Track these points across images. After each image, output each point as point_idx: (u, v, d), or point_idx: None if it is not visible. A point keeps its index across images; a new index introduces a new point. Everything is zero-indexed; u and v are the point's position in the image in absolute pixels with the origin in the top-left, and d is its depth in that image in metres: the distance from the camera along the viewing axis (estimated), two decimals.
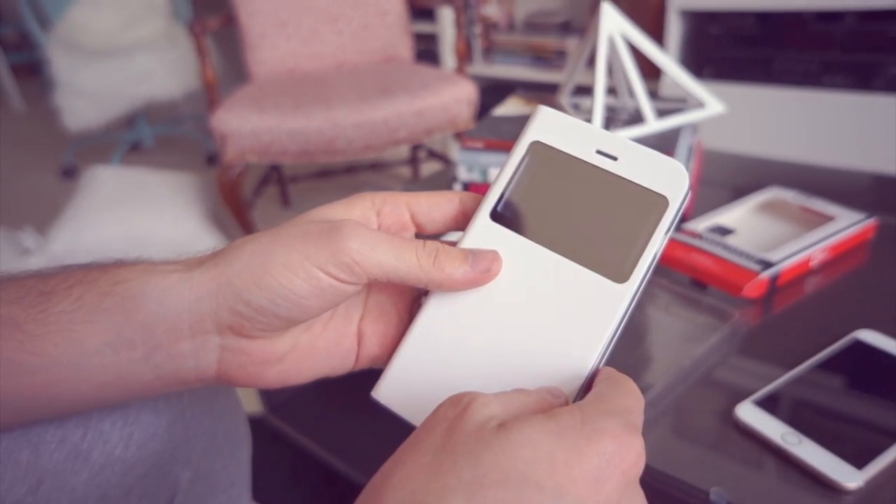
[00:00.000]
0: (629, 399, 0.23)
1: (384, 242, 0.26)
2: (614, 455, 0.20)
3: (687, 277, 0.63)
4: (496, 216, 0.28)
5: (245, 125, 1.41)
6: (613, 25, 0.80)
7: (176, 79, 2.26)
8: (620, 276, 0.25)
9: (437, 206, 0.30)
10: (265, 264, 0.25)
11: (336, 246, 0.25)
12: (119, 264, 0.28)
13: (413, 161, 2.05)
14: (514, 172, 0.28)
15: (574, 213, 0.27)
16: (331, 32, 1.80)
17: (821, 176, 0.87)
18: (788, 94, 1.51)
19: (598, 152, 0.27)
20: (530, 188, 0.28)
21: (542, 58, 2.12)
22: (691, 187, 0.26)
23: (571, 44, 2.04)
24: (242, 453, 0.46)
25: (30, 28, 2.29)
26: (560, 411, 0.21)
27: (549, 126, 0.28)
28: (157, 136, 2.65)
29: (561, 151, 0.28)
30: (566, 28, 2.10)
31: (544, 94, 1.00)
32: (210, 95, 1.53)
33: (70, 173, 2.39)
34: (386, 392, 0.28)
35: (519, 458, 0.19)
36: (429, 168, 2.09)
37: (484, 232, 0.28)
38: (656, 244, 0.25)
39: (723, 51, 1.60)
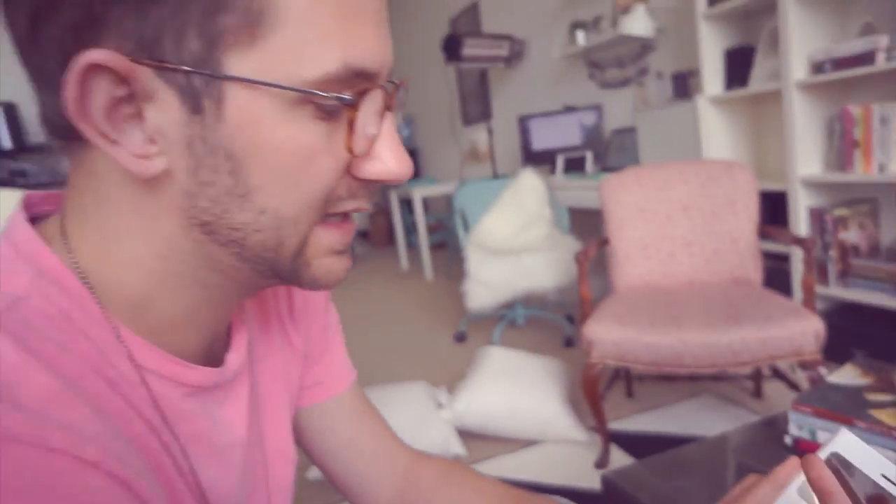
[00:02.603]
0: None
1: None
2: None
3: None
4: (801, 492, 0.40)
5: (608, 336, 1.78)
6: None
7: (551, 275, 2.82)
8: None
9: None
10: None
11: None
12: None
13: (756, 377, 2.16)
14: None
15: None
16: (685, 255, 2.13)
17: None
18: None
19: (883, 476, 0.37)
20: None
21: None
22: None
23: None
24: None
25: (456, 232, 3.16)
26: None
27: (848, 445, 0.39)
28: (527, 316, 3.25)
29: (854, 466, 0.38)
30: None
31: (884, 363, 1.12)
32: (583, 309, 1.96)
33: (460, 338, 3.10)
34: None
35: None
36: (771, 386, 2.16)
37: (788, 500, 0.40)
38: None
39: None
